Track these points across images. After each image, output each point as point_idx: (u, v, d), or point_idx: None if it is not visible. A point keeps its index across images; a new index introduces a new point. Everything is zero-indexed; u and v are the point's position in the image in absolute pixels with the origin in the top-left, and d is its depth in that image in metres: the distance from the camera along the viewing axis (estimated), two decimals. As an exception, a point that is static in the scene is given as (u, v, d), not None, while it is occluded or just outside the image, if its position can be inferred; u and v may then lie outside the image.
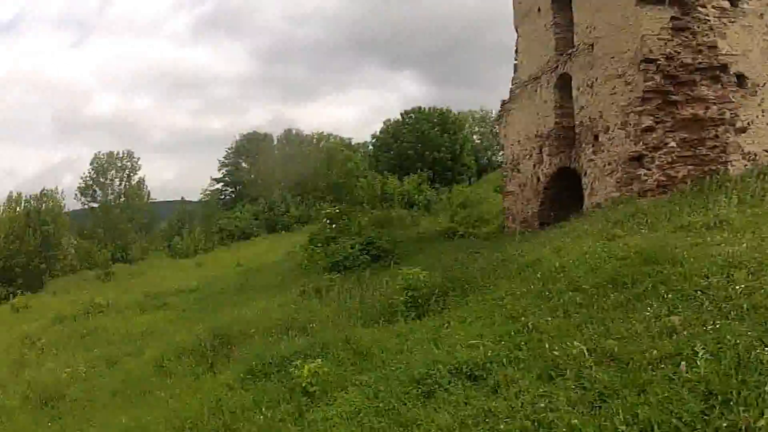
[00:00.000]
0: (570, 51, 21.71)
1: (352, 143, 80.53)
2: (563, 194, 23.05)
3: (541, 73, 23.87)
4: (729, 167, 17.28)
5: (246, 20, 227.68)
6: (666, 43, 17.66)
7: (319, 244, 27.52)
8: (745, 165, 17.48)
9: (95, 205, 73.50)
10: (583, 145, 20.54)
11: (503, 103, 27.35)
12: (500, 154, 79.69)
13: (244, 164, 77.85)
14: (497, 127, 29.23)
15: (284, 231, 58.40)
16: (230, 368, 12.66)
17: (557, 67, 22.64)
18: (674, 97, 17.45)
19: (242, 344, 14.44)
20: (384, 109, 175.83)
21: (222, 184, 78.86)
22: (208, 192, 77.93)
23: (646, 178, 17.51)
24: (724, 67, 17.85)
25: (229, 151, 78.32)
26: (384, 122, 72.11)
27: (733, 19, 18.21)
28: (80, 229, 69.00)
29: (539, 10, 24.43)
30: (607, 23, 19.45)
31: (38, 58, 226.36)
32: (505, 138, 27.52)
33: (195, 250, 57.41)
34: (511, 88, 26.71)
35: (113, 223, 69.77)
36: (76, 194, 72.91)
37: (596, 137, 19.72)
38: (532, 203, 24.73)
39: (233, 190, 78.41)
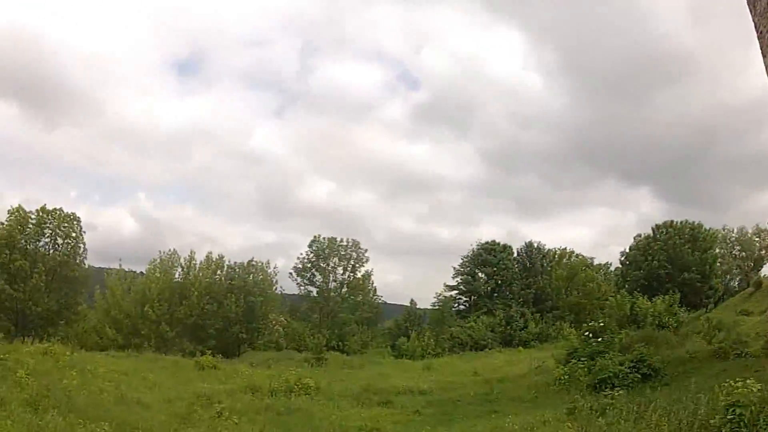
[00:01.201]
0: None
1: (594, 263, 78.84)
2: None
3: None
4: None
5: (467, 115, 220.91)
6: None
7: (583, 359, 26.14)
8: None
9: (312, 288, 72.48)
10: None
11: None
12: (738, 279, 76.15)
13: (481, 274, 77.07)
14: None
15: (521, 347, 56.76)
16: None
17: None
18: None
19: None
20: (618, 229, 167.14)
21: (456, 291, 78.40)
22: (442, 297, 77.17)
23: None
24: None
25: (465, 260, 78.31)
26: (634, 238, 70.17)
27: None
28: (293, 310, 69.65)
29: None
30: None
31: (232, 118, 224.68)
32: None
33: (423, 353, 56.69)
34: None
35: (332, 311, 69.11)
36: (290, 273, 72.33)
37: None
38: (804, 318, 21.53)
39: (468, 299, 77.91)
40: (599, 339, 27.87)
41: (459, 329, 63.14)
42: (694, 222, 67.83)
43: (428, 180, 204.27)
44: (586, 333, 29.25)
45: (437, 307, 74.58)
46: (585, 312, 60.32)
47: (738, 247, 75.19)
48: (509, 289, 73.74)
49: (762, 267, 71.91)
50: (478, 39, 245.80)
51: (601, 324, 29.73)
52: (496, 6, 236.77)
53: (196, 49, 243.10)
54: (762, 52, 25.82)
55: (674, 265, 60.57)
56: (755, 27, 26.43)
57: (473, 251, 78.11)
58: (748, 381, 12.28)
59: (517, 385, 29.54)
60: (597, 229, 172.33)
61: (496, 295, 74.18)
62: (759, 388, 12.06)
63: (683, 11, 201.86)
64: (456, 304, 78.09)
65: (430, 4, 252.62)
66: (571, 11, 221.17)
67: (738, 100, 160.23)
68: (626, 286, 58.80)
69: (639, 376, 23.03)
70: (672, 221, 68.33)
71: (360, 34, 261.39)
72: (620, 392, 19.26)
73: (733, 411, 11.79)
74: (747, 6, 26.42)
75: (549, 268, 77.45)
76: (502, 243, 78.94)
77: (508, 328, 62.37)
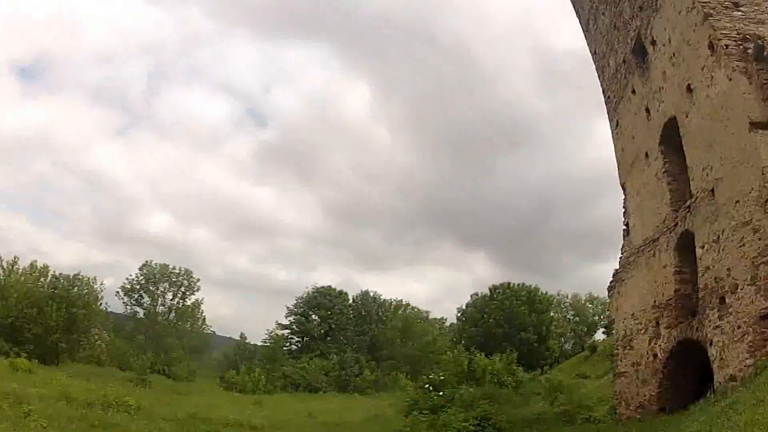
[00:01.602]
0: (688, 202, 18.14)
1: (429, 317, 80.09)
2: (685, 373, 19.02)
3: (659, 234, 20.30)
4: None
5: (312, 162, 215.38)
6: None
7: (426, 412, 24.72)
8: None
9: (139, 309, 70.39)
10: (707, 311, 16.61)
11: (615, 272, 24.20)
12: (571, 342, 78.98)
13: (314, 317, 76.94)
14: (609, 299, 26.20)
15: (357, 393, 56.39)
16: None
17: (676, 224, 18.97)
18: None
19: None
20: (454, 287, 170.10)
21: (289, 331, 77.74)
22: (275, 334, 76.07)
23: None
24: None
25: (299, 301, 78.27)
26: (471, 296, 71.30)
27: None
28: (117, 329, 66.82)
29: (647, 155, 21.10)
30: (724, 159, 15.99)
31: (74, 131, 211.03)
32: (617, 312, 24.11)
33: (254, 389, 54.78)
34: (621, 256, 23.73)
35: (159, 335, 66.89)
36: (117, 292, 70.03)
37: (722, 299, 15.83)
38: (649, 385, 20.43)
39: (300, 340, 77.27)
40: (440, 393, 26.82)
41: (292, 369, 61.94)
42: (530, 285, 70.07)
43: (269, 225, 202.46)
44: (426, 385, 28.22)
45: (269, 344, 73.13)
46: (421, 364, 60.13)
47: (572, 312, 78.26)
48: (343, 334, 73.89)
49: (595, 332, 74.93)
50: (328, 84, 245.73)
51: (441, 377, 28.80)
52: (347, 53, 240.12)
53: (42, 55, 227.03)
54: (608, 116, 25.91)
55: (511, 325, 61.72)
56: (603, 92, 26.52)
57: (308, 293, 78.31)
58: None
59: (357, 432, 28.40)
60: (433, 286, 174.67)
61: (329, 338, 74.16)
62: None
63: (531, 78, 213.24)
64: (288, 344, 77.11)
65: (284, 44, 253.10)
66: (419, 66, 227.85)
67: (576, 171, 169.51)
68: (463, 342, 59.03)
69: (483, 436, 22.04)
70: (509, 283, 70.38)
71: (211, 64, 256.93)
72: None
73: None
74: (596, 73, 26.50)
75: (384, 317, 78.45)
76: (338, 289, 79.67)
77: (343, 372, 61.71)
